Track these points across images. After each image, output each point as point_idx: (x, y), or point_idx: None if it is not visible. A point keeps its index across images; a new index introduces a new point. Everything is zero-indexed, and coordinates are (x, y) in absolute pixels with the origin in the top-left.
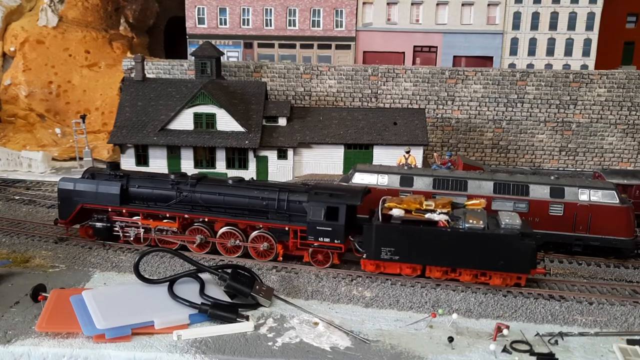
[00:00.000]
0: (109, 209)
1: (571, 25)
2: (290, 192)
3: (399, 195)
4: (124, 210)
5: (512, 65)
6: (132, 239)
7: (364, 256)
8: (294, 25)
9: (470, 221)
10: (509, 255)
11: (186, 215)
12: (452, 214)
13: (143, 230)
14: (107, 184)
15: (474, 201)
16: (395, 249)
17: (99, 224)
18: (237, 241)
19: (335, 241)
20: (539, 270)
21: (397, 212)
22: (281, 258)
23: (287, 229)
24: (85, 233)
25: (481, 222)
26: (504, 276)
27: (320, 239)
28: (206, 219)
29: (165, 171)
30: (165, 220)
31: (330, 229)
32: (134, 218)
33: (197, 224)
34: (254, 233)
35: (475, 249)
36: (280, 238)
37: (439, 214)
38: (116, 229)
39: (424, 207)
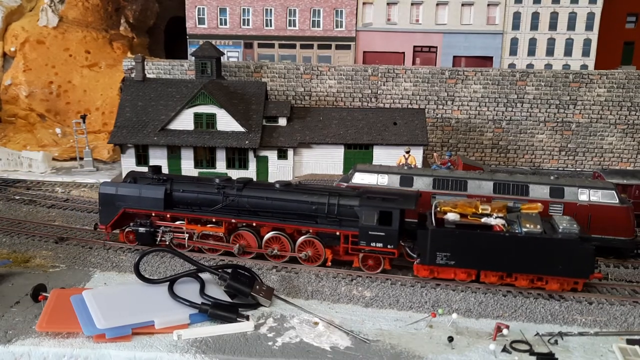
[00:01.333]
0: (153, 214)
1: (571, 26)
2: (340, 196)
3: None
4: (168, 215)
5: (512, 66)
6: (174, 244)
7: (417, 261)
8: (294, 26)
9: (527, 225)
10: (568, 259)
11: (233, 220)
12: (507, 218)
13: (187, 235)
14: (150, 188)
15: (529, 205)
16: (451, 254)
17: (142, 229)
18: (276, 250)
19: (389, 246)
20: (596, 275)
21: (452, 216)
22: (330, 263)
23: (337, 233)
24: (125, 238)
25: (538, 226)
26: (561, 281)
27: (373, 244)
28: (254, 224)
29: (166, 171)
30: (209, 225)
31: (383, 234)
32: (177, 223)
33: (243, 229)
34: (302, 238)
35: (532, 254)
36: (329, 243)
37: (496, 218)
38: (159, 234)
39: (480, 211)
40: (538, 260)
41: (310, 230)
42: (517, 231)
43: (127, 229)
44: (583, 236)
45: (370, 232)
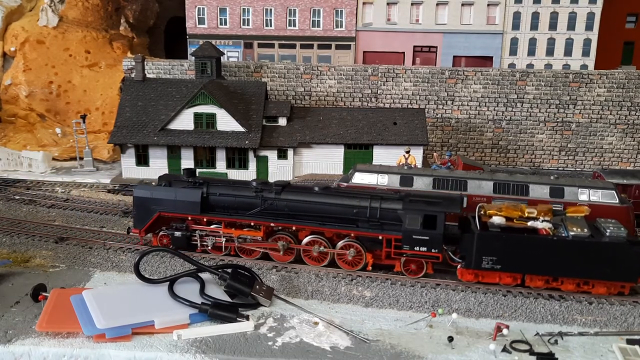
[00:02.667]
0: (189, 218)
1: (571, 25)
2: (382, 199)
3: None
4: (205, 219)
5: (512, 65)
6: (209, 248)
7: (461, 265)
8: (294, 26)
9: (574, 229)
10: (616, 263)
11: (272, 224)
12: (553, 221)
13: (224, 239)
14: (187, 192)
15: (575, 208)
16: (498, 258)
17: (177, 233)
18: (322, 247)
19: (433, 250)
20: None
21: (497, 220)
22: (370, 268)
23: (380, 237)
24: (159, 242)
25: (585, 229)
26: (607, 285)
27: (417, 248)
28: (294, 228)
29: (166, 171)
30: (246, 229)
31: (427, 237)
32: (212, 227)
33: (280, 233)
34: (341, 242)
35: (580, 258)
36: (369, 247)
37: (542, 221)
38: (195, 238)
39: (527, 214)
40: (585, 264)
41: (352, 234)
42: (564, 235)
43: (161, 233)
44: (631, 239)
45: (414, 236)
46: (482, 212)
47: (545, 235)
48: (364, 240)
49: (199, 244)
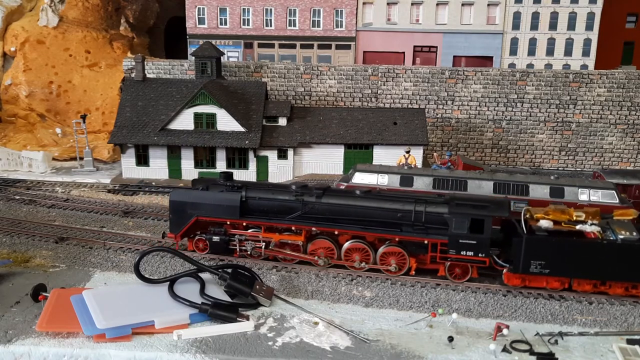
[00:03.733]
0: (227, 222)
1: (571, 25)
2: (427, 203)
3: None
4: (244, 223)
5: (512, 65)
6: (248, 253)
7: (508, 269)
8: (294, 26)
9: (623, 232)
10: None
11: (314, 229)
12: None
13: (264, 244)
14: (225, 196)
15: (623, 212)
16: (546, 262)
17: (216, 238)
18: (364, 263)
19: (480, 255)
20: None
21: (545, 223)
22: (413, 272)
23: (425, 242)
24: (195, 246)
25: (634, 233)
26: None
27: (463, 253)
28: (336, 232)
29: (166, 170)
30: (286, 233)
31: (474, 242)
32: (250, 231)
33: (320, 237)
34: (384, 246)
35: (629, 261)
36: (413, 251)
37: (590, 225)
38: (234, 242)
39: (574, 218)
40: (635, 267)
41: (397, 239)
42: (612, 238)
43: (197, 238)
44: None
45: (460, 241)
46: (527, 216)
47: (594, 238)
48: (407, 245)
49: (237, 249)
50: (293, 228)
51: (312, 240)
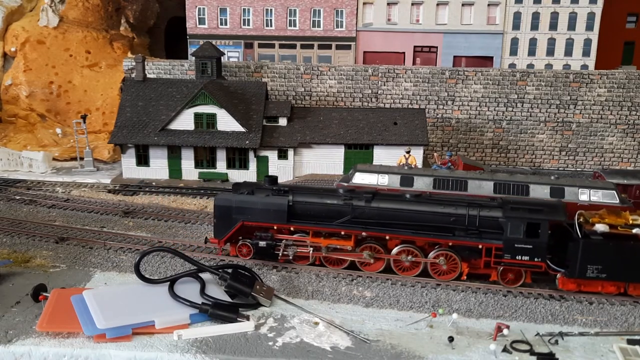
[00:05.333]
0: (275, 227)
1: (571, 25)
2: (480, 207)
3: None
4: (292, 228)
5: (512, 65)
6: (291, 257)
7: (563, 274)
8: (295, 26)
9: None
10: None
11: (364, 233)
12: None
13: (312, 248)
14: (272, 200)
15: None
16: (603, 266)
17: (262, 243)
18: (411, 257)
19: (535, 259)
20: None
21: (601, 227)
22: (465, 277)
23: (480, 247)
24: (237, 252)
25: None
26: None
27: (518, 257)
28: (387, 237)
29: (166, 171)
30: (334, 238)
31: (530, 246)
32: (295, 236)
33: (369, 242)
34: (435, 251)
35: None
36: (466, 256)
37: None
38: (280, 247)
39: (630, 221)
40: None
41: (450, 243)
42: None
43: (240, 243)
44: None
45: (516, 245)
46: (581, 220)
47: None
48: (460, 249)
49: (284, 254)
50: (342, 232)
51: (360, 244)
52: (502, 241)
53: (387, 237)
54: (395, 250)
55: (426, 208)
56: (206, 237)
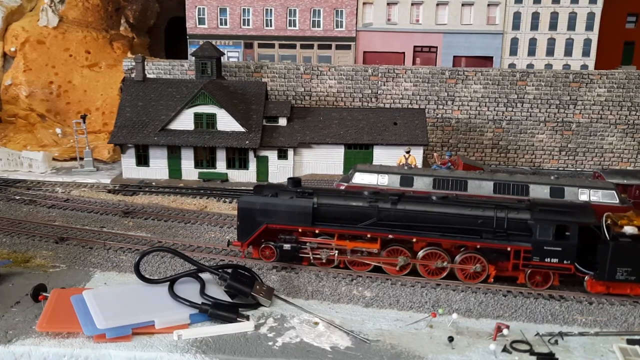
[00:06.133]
0: (299, 230)
1: (571, 26)
2: (508, 209)
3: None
4: (316, 230)
5: (512, 65)
6: (323, 260)
7: (592, 276)
8: (294, 26)
9: None
10: None
11: (390, 236)
12: None
13: (337, 251)
14: (297, 202)
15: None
16: (632, 268)
17: (287, 246)
18: (445, 262)
19: (565, 262)
20: None
21: (629, 229)
22: (492, 280)
23: (508, 249)
24: (261, 254)
25: None
26: None
27: (547, 260)
28: (414, 239)
29: (166, 171)
30: (359, 241)
31: (559, 249)
32: (319, 238)
33: (394, 245)
34: (462, 254)
35: None
36: (493, 258)
37: None
38: (305, 250)
39: None
40: None
41: (478, 246)
42: None
43: (263, 245)
44: None
45: (545, 247)
46: (609, 222)
47: None
48: (487, 252)
49: (311, 257)
50: (369, 235)
51: (386, 247)
52: (530, 243)
53: (414, 240)
54: (421, 253)
55: (453, 210)
56: (229, 240)
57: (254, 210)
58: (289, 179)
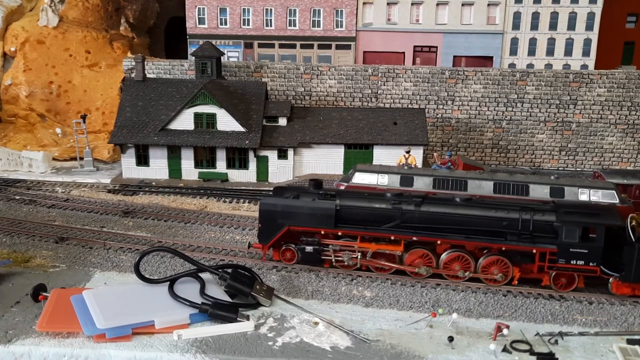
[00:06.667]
0: (322, 232)
1: (571, 25)
2: (534, 211)
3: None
4: (339, 233)
5: (512, 65)
6: (346, 263)
7: (617, 278)
8: (294, 26)
9: None
10: None
11: (415, 238)
12: None
13: (360, 254)
14: (319, 204)
15: None
16: None
17: (309, 248)
18: (468, 272)
19: (591, 264)
20: None
21: None
22: (516, 282)
23: (534, 251)
24: (281, 257)
25: None
26: None
27: (573, 262)
28: (438, 242)
29: (166, 171)
30: (382, 243)
31: (585, 251)
32: (342, 241)
33: (417, 247)
34: (485, 256)
35: None
36: (517, 260)
37: None
38: (327, 253)
39: None
40: None
41: (503, 248)
42: None
43: (284, 247)
44: None
45: (571, 249)
46: (633, 223)
47: None
48: (512, 254)
49: (333, 259)
50: (392, 237)
51: (409, 249)
52: (556, 245)
53: (439, 242)
54: (444, 256)
55: (477, 212)
56: (249, 242)
57: (275, 212)
58: (311, 180)
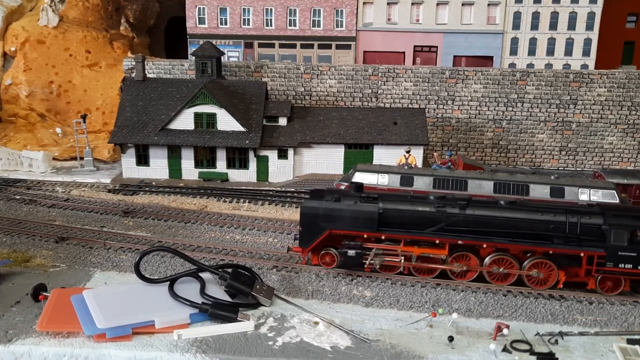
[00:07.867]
0: (365, 235)
1: (571, 25)
2: (580, 214)
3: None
4: (383, 236)
5: (512, 65)
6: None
7: None
8: (295, 25)
9: None
10: None
11: (460, 242)
12: None
13: (403, 257)
14: (362, 207)
15: None
16: None
17: (351, 252)
18: (506, 270)
19: (639, 267)
20: None
21: None
22: (561, 285)
23: (581, 255)
24: (320, 260)
25: None
26: None
27: (621, 265)
28: (484, 245)
29: (166, 170)
30: (426, 246)
31: (634, 254)
32: (385, 244)
33: (461, 250)
34: (530, 260)
35: None
36: (563, 264)
37: None
38: (369, 256)
39: None
40: None
41: (550, 252)
42: None
43: (324, 251)
44: None
45: (619, 253)
46: None
47: None
48: (557, 257)
49: (373, 263)
50: (437, 241)
51: (452, 253)
52: (604, 249)
53: (485, 246)
54: (488, 259)
55: (523, 215)
56: (289, 246)
57: (317, 215)
58: (352, 183)
